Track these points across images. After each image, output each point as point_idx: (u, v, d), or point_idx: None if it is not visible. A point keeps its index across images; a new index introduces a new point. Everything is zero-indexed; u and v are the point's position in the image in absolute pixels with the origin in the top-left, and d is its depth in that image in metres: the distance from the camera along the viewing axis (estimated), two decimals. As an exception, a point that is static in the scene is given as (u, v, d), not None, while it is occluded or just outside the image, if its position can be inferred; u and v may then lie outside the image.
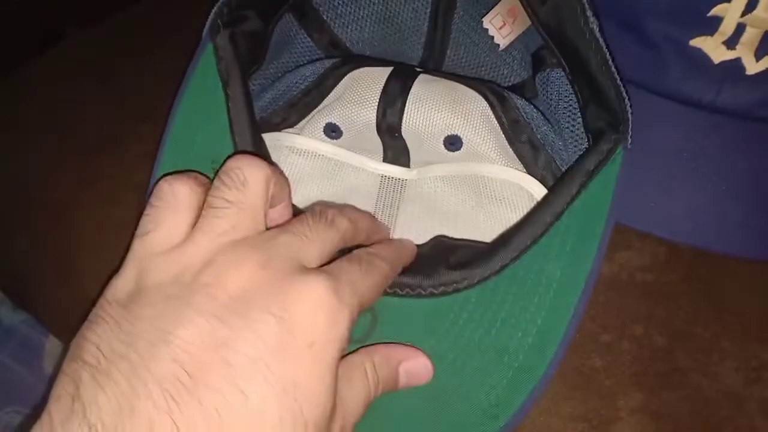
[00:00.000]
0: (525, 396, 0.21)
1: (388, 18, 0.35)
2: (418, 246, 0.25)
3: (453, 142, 0.30)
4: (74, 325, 0.18)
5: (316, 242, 0.20)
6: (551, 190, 0.24)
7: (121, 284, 0.18)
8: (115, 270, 0.19)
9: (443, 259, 0.23)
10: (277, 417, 0.16)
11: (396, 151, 0.32)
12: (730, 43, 0.29)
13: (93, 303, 0.18)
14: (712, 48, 0.29)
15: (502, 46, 0.33)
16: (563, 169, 0.29)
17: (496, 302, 0.22)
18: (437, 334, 0.22)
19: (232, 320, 0.16)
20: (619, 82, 0.24)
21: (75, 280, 0.34)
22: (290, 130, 0.32)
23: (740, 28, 0.28)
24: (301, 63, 0.34)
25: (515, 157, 0.30)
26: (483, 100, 0.29)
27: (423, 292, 0.22)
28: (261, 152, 0.24)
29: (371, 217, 0.24)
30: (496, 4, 0.32)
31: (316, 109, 0.32)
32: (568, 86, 0.28)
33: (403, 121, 0.29)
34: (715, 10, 0.28)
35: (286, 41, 0.33)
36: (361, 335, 0.22)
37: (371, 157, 0.32)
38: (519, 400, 0.21)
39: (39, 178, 0.37)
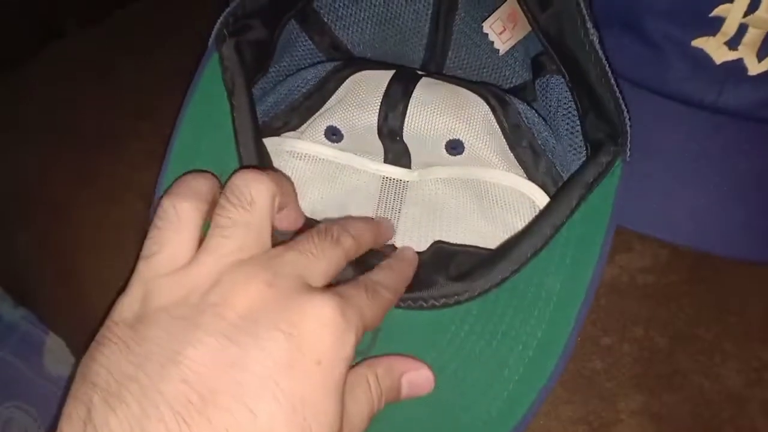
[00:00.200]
0: (525, 408, 0.21)
1: (389, 20, 0.34)
2: (418, 253, 0.25)
3: (455, 147, 0.29)
4: (74, 323, 0.18)
5: (321, 260, 0.20)
6: (551, 201, 0.24)
7: (128, 305, 0.18)
8: (121, 289, 0.19)
9: (443, 268, 0.23)
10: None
11: (397, 154, 0.32)
12: (732, 43, 0.29)
13: (100, 323, 0.18)
14: (714, 48, 0.29)
15: (501, 51, 0.33)
16: (563, 175, 0.29)
17: (497, 315, 0.22)
18: (438, 346, 0.22)
19: (241, 339, 0.17)
20: (618, 95, 0.24)
21: (74, 278, 0.34)
22: (291, 134, 0.32)
23: (742, 29, 0.28)
24: (303, 66, 0.33)
25: (516, 162, 0.30)
26: (485, 104, 0.29)
27: (424, 305, 0.22)
28: (264, 162, 0.24)
29: (375, 226, 0.25)
30: (498, 7, 0.32)
31: (318, 113, 0.31)
32: (568, 93, 0.28)
33: (405, 124, 0.29)
34: (717, 11, 0.28)
35: (287, 45, 0.33)
36: (363, 348, 0.22)
37: (372, 159, 0.32)
38: (520, 413, 0.21)
39: (39, 177, 0.37)
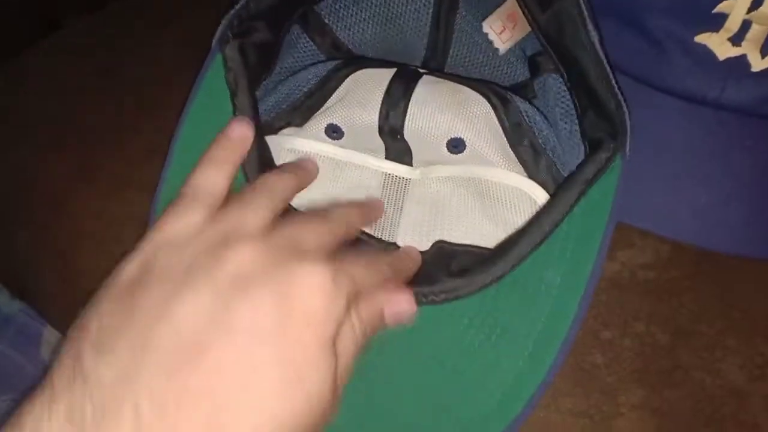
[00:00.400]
0: (524, 401, 0.21)
1: (390, 19, 0.34)
2: (420, 252, 0.25)
3: (456, 145, 0.30)
4: (72, 316, 0.19)
5: (312, 234, 0.20)
6: (551, 199, 0.24)
7: (128, 269, 0.19)
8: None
9: (444, 266, 0.24)
10: (279, 389, 0.17)
11: (398, 152, 0.32)
12: (736, 39, 0.28)
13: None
14: (717, 44, 0.29)
15: (501, 51, 0.33)
16: (563, 173, 0.29)
17: (496, 309, 0.22)
18: (437, 341, 0.22)
19: (233, 298, 0.17)
20: (619, 95, 0.24)
21: (73, 272, 0.34)
22: (292, 131, 0.32)
23: (746, 25, 0.28)
24: (304, 66, 0.34)
25: (516, 160, 0.30)
26: (486, 102, 0.29)
27: (424, 300, 0.23)
28: (266, 161, 0.25)
29: (361, 203, 0.26)
30: (498, 6, 0.32)
31: (319, 111, 0.32)
32: (566, 92, 0.28)
33: (406, 123, 0.30)
34: (721, 7, 0.28)
35: (288, 46, 0.33)
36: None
37: (374, 156, 0.32)
38: (518, 406, 0.21)
39: (38, 171, 0.37)
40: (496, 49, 0.33)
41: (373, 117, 0.30)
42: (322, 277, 0.18)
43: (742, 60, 0.29)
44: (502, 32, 0.32)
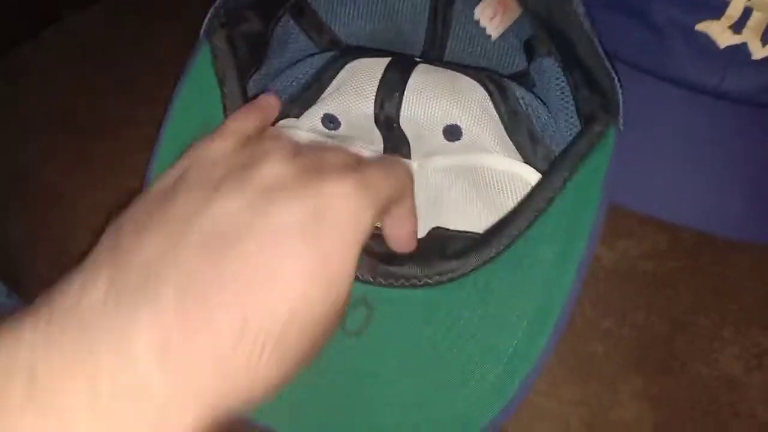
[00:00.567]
0: (520, 382, 0.21)
1: (387, 15, 0.34)
2: (417, 239, 0.25)
3: (452, 132, 0.29)
4: None
5: (333, 153, 0.21)
6: (544, 176, 0.24)
7: (161, 181, 0.20)
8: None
9: (440, 251, 0.24)
10: (310, 280, 0.17)
11: (396, 144, 0.31)
12: (737, 27, 0.28)
13: None
14: (718, 32, 0.29)
15: (493, 37, 0.33)
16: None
17: (490, 289, 0.22)
18: (433, 323, 0.22)
19: (267, 201, 0.18)
20: (607, 63, 0.24)
21: (70, 265, 0.33)
22: (287, 122, 0.32)
23: (747, 12, 0.28)
24: (301, 59, 0.34)
25: (514, 147, 0.30)
26: (482, 89, 0.29)
27: (418, 283, 0.23)
28: None
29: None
30: (491, -6, 0.32)
31: (316, 103, 0.31)
32: (560, 72, 0.28)
33: (402, 112, 0.29)
34: (722, -6, 0.28)
35: (285, 42, 0.33)
36: (357, 328, 0.22)
37: (371, 148, 0.32)
38: (514, 386, 0.21)
39: (35, 162, 0.37)
40: (490, 37, 0.33)
41: (368, 106, 0.30)
42: (352, 186, 0.19)
43: (742, 48, 0.29)
44: (492, 18, 0.32)
